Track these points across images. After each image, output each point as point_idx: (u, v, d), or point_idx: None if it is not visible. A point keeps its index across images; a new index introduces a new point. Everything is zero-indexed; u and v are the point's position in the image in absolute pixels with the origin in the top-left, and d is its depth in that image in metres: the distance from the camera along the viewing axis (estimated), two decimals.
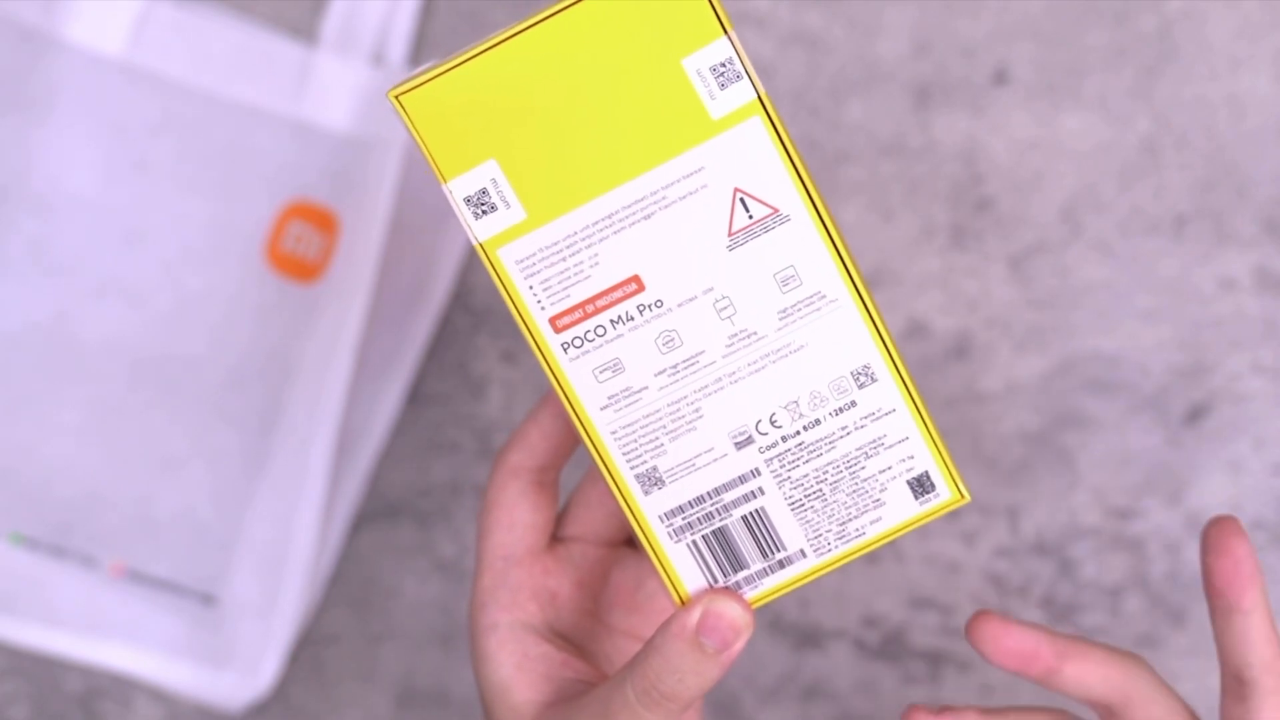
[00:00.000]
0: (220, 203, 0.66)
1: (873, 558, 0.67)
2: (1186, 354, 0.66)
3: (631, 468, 0.47)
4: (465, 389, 0.68)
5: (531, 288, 0.46)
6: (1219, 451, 0.66)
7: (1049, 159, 0.66)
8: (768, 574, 0.47)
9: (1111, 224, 0.66)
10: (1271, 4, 0.65)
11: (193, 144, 0.66)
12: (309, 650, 0.69)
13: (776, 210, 0.45)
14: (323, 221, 0.67)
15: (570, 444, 0.51)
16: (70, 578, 0.67)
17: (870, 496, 0.47)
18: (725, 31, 0.44)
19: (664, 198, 0.45)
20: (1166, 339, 0.66)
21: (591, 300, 0.46)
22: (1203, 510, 0.66)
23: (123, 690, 0.69)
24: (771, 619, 0.68)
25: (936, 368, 0.67)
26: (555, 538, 0.52)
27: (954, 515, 0.67)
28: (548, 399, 0.51)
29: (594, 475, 0.53)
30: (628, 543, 0.54)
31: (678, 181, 0.45)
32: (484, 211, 0.45)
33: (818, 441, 0.46)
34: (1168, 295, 0.66)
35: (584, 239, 0.45)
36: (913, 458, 0.47)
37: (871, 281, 0.67)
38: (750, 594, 0.47)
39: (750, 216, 0.45)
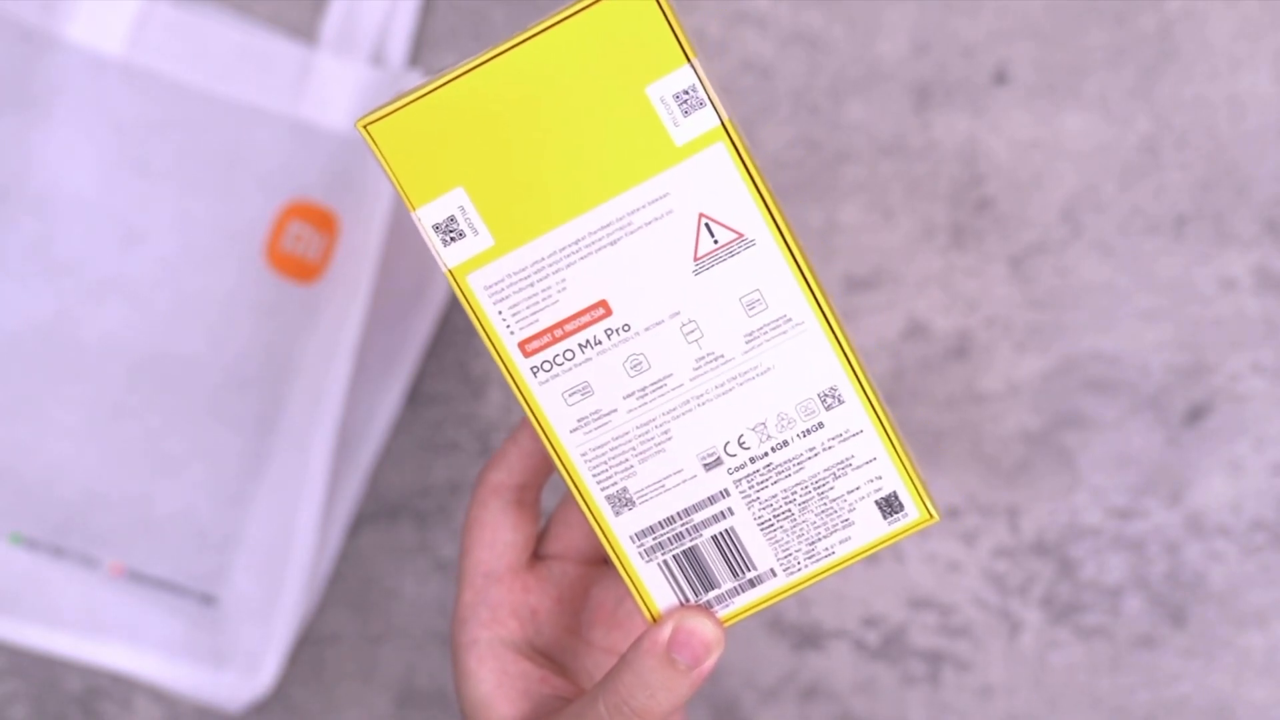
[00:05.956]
0: (220, 202, 0.66)
1: (872, 558, 0.67)
2: (1186, 354, 0.66)
3: (602, 489, 0.47)
4: (465, 389, 0.68)
5: (500, 313, 0.46)
6: (1219, 451, 0.66)
7: (1049, 159, 0.66)
8: (738, 593, 0.48)
9: (1111, 224, 0.66)
10: (1271, 4, 0.65)
11: (192, 144, 0.66)
12: (309, 650, 0.69)
13: (741, 235, 0.46)
14: (323, 221, 0.67)
15: (550, 463, 0.51)
16: (70, 578, 0.67)
17: (839, 516, 0.47)
18: (688, 59, 0.44)
19: (630, 223, 0.45)
20: (1166, 339, 0.66)
21: (560, 325, 0.46)
22: (1203, 510, 0.66)
23: (123, 690, 0.69)
24: (771, 619, 0.68)
25: (936, 368, 0.67)
26: (536, 556, 0.53)
27: (954, 515, 0.67)
28: (527, 420, 0.51)
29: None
30: (607, 561, 0.54)
31: (643, 207, 0.45)
32: (452, 238, 0.46)
33: (786, 463, 0.47)
34: (1168, 295, 0.66)
35: (551, 265, 0.46)
36: (881, 478, 0.47)
37: (871, 281, 0.67)
38: (722, 612, 0.48)
39: (715, 241, 0.46)
